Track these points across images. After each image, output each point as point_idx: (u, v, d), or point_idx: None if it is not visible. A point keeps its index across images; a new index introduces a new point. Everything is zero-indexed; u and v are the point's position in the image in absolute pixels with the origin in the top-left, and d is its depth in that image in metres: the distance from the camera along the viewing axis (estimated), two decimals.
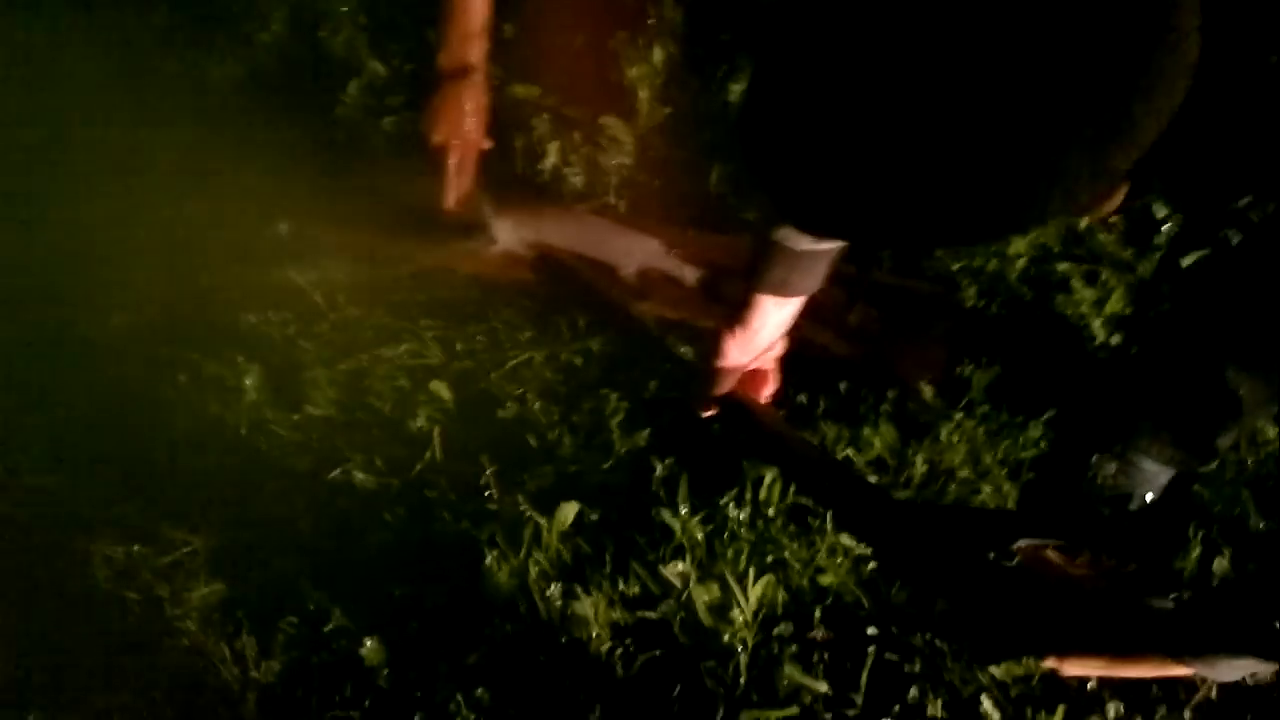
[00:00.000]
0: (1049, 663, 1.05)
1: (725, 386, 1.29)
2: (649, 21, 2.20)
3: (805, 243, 1.08)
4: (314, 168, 2.09)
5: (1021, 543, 1.08)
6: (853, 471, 1.45)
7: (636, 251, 1.88)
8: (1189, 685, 1.40)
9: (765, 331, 1.21)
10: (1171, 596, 1.04)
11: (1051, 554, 1.12)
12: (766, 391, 1.33)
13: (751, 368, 1.29)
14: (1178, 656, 1.01)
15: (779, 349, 1.29)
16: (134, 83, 2.21)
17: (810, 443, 1.47)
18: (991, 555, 1.01)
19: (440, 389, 1.72)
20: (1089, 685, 1.38)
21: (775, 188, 0.69)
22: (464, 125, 1.86)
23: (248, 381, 1.72)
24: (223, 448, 1.66)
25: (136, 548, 1.55)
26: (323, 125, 2.19)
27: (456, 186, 1.91)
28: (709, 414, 1.34)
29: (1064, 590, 1.07)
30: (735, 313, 1.21)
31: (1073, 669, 1.06)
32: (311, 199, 2.03)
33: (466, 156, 1.90)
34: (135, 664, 1.43)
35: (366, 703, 1.41)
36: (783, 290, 1.15)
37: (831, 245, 1.11)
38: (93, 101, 2.18)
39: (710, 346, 1.25)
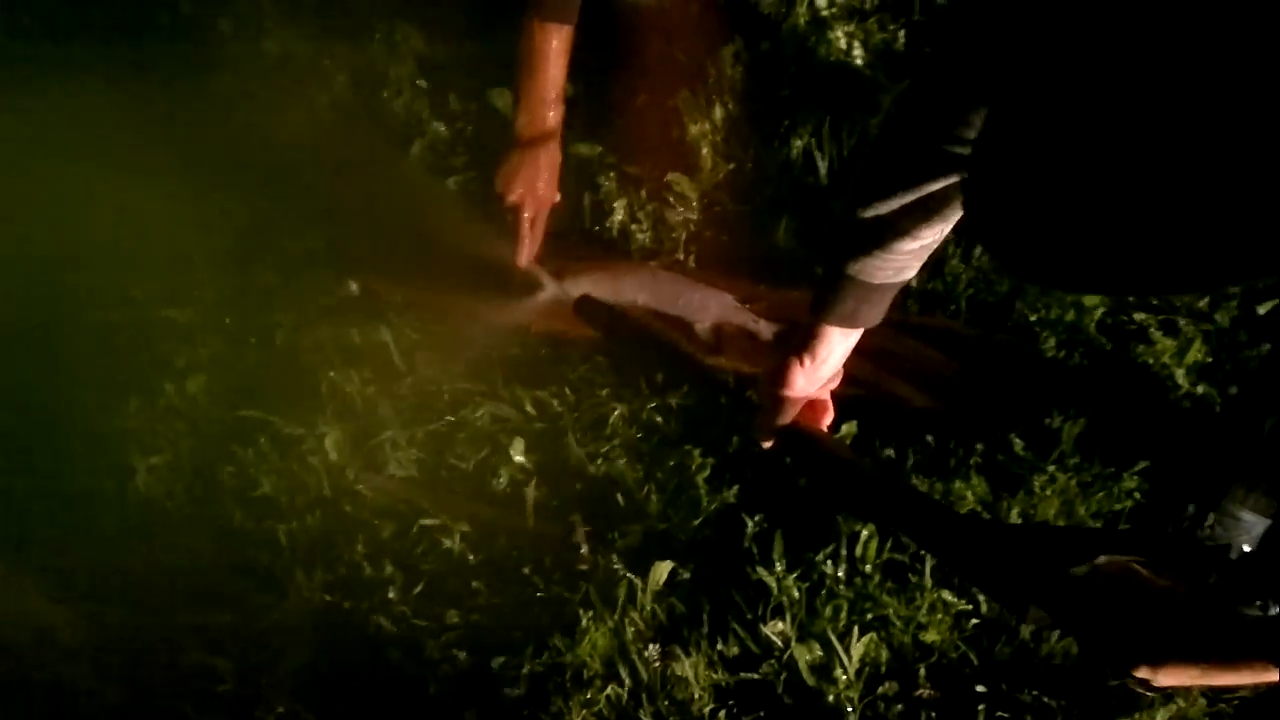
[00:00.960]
0: (1141, 673, 1.02)
1: (787, 417, 1.29)
2: (709, 79, 2.23)
3: (880, 276, 1.10)
4: (379, 228, 2.11)
5: (1103, 559, 1.05)
6: (924, 494, 1.43)
7: (711, 306, 1.88)
8: None
9: (830, 362, 1.23)
10: (1259, 604, 1.01)
11: (1136, 568, 1.10)
12: (825, 420, 1.32)
13: (812, 398, 1.30)
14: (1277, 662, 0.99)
15: (838, 380, 1.29)
16: (197, 148, 2.23)
17: (876, 467, 1.46)
18: (1077, 569, 0.99)
19: (520, 450, 1.71)
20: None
21: (1010, 242, 0.68)
22: (538, 184, 1.88)
23: (328, 443, 1.72)
24: (306, 510, 1.65)
25: (227, 616, 1.53)
26: (386, 186, 2.21)
27: (529, 244, 1.93)
28: (770, 445, 1.33)
29: (1154, 600, 1.05)
30: (800, 342, 1.22)
31: (1166, 679, 1.04)
32: (379, 259, 2.05)
33: (539, 214, 1.91)
34: None
35: None
36: (851, 321, 1.16)
37: (904, 279, 1.11)
38: (157, 167, 2.20)
39: (774, 377, 1.25)
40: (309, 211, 2.14)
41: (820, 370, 1.23)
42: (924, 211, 1.01)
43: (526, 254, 1.92)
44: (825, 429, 1.32)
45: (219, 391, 1.81)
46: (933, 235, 1.04)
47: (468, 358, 1.86)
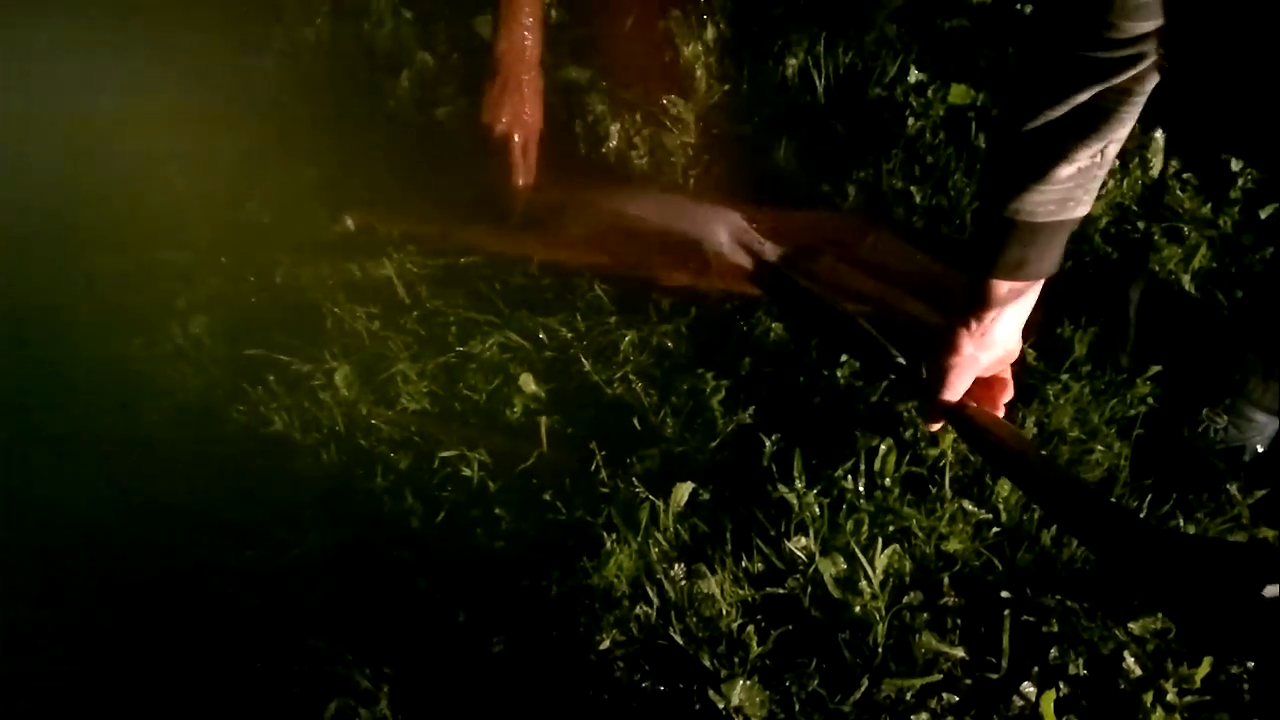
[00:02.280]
0: None
1: (957, 392, 1.15)
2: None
3: (1043, 213, 0.99)
4: (371, 161, 2.07)
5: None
6: (1102, 496, 1.33)
7: (715, 227, 1.87)
8: None
9: (1002, 326, 1.09)
10: None
11: None
12: (1002, 400, 1.20)
13: (987, 374, 1.17)
14: None
15: (1017, 351, 1.16)
16: (182, 86, 2.18)
17: (1056, 463, 1.40)
18: (1269, 590, 0.92)
19: (531, 379, 1.70)
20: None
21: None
22: (523, 111, 1.85)
23: (338, 378, 1.70)
24: (320, 446, 1.64)
25: (250, 552, 1.52)
26: (375, 118, 2.17)
27: (523, 171, 1.90)
28: (937, 427, 1.21)
29: None
30: (966, 305, 1.09)
31: None
32: (372, 192, 2.02)
33: (529, 141, 1.89)
34: (265, 669, 1.41)
35: (503, 695, 1.39)
36: (1018, 273, 1.04)
37: (1072, 216, 1.02)
38: (142, 108, 2.15)
39: (941, 346, 1.12)
40: (298, 148, 2.10)
41: (991, 336, 1.10)
42: (1076, 127, 0.94)
43: (520, 181, 1.89)
44: (1001, 411, 1.20)
45: (222, 331, 1.79)
46: (1088, 156, 0.96)
47: (472, 289, 1.85)
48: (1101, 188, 1.84)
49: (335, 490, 1.58)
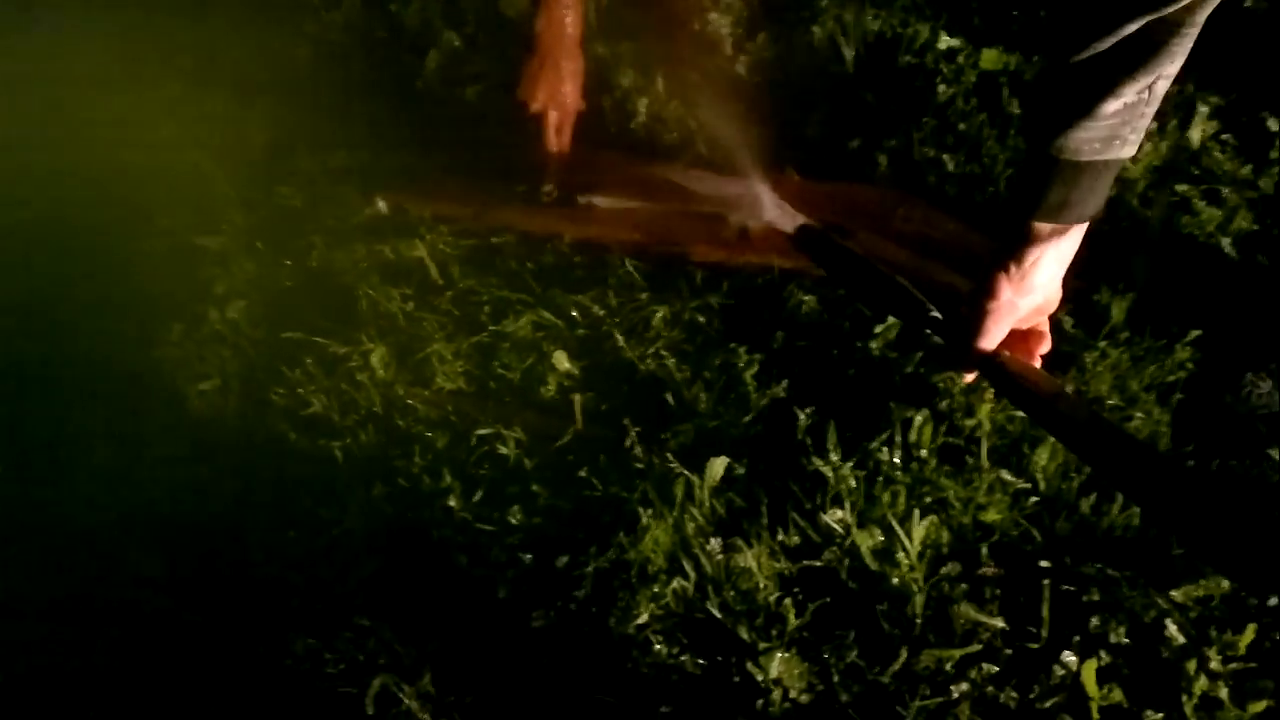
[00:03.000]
0: None
1: (994, 340, 1.10)
2: None
3: (1087, 150, 0.96)
4: (400, 142, 2.08)
5: None
6: (1147, 445, 1.23)
7: (745, 203, 1.86)
8: None
9: (1042, 271, 1.05)
10: None
11: None
12: (1040, 350, 1.15)
13: (1025, 326, 1.13)
14: None
15: (1056, 301, 1.12)
16: (210, 71, 2.20)
17: (1094, 409, 1.36)
18: None
19: (565, 357, 1.71)
20: (1269, 601, 1.38)
21: None
22: (562, 91, 1.85)
23: (374, 360, 1.71)
24: (359, 427, 1.66)
25: (292, 533, 1.55)
26: (403, 99, 2.18)
27: (556, 153, 1.90)
28: (972, 377, 1.17)
29: None
30: (1006, 248, 1.05)
31: None
32: (403, 174, 2.03)
33: (565, 122, 1.88)
34: (309, 647, 1.43)
35: (543, 669, 1.41)
36: (1060, 214, 1.00)
37: (1117, 156, 0.98)
38: (171, 92, 2.17)
39: (979, 291, 1.07)
40: (328, 130, 2.11)
41: (1030, 280, 1.06)
42: (1124, 60, 0.91)
43: (554, 163, 1.89)
44: (1039, 362, 1.15)
45: (260, 315, 1.81)
46: (1135, 91, 0.93)
47: (504, 268, 1.85)
48: (1139, 150, 1.83)
49: (374, 470, 1.60)
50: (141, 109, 2.12)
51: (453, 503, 1.55)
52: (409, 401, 1.67)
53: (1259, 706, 1.30)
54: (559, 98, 1.86)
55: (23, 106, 2.16)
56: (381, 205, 1.96)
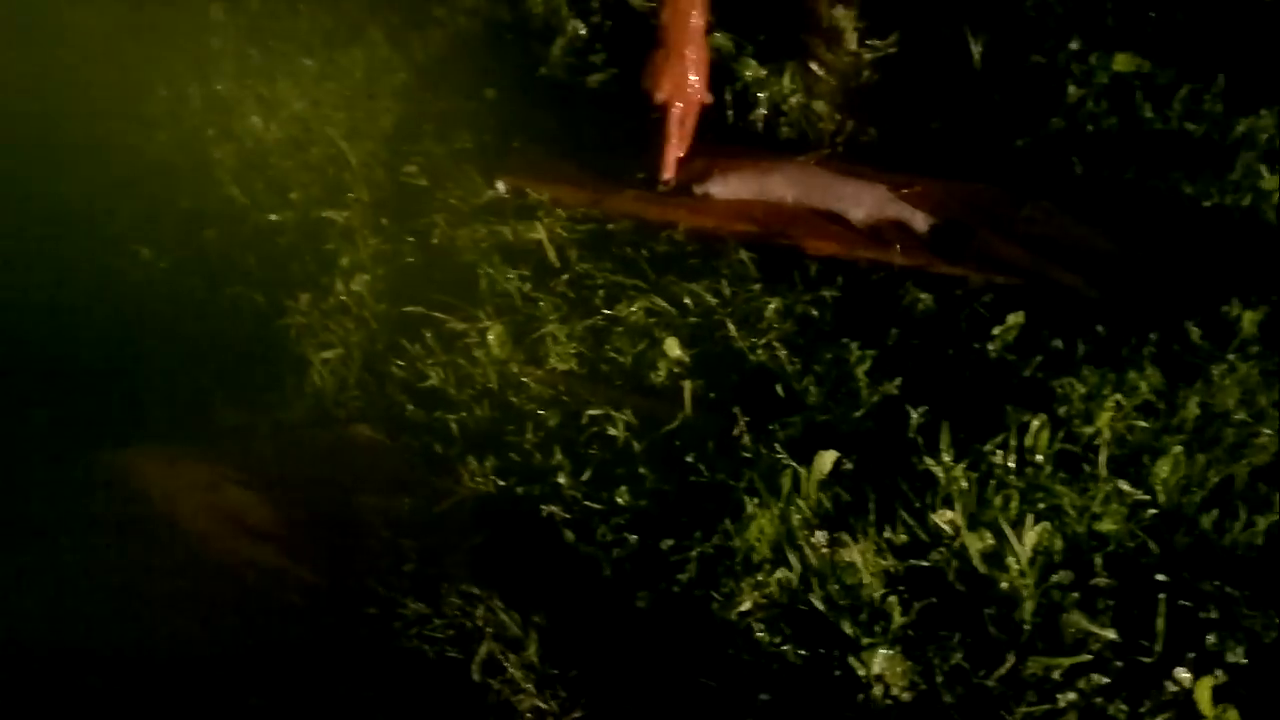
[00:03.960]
0: None
1: None
2: None
3: None
4: (523, 127, 2.12)
5: None
6: None
7: (864, 199, 1.85)
8: None
9: None
10: None
11: None
12: None
13: None
14: None
15: None
16: (340, 48, 2.27)
17: None
18: None
19: (676, 344, 1.72)
20: None
21: None
22: (687, 82, 1.86)
23: (490, 337, 1.76)
24: (474, 402, 1.70)
25: (405, 499, 1.60)
26: (528, 85, 2.21)
27: (678, 144, 1.91)
28: None
29: None
30: None
31: None
32: (524, 159, 2.07)
33: (689, 114, 1.89)
34: (419, 607, 1.48)
35: (645, 649, 1.43)
36: None
37: None
38: (302, 74, 2.25)
39: None
40: (453, 113, 2.16)
41: None
42: None
43: (675, 154, 1.91)
44: None
45: (382, 289, 1.87)
46: None
47: (619, 254, 1.88)
48: (1277, 160, 1.77)
49: (487, 444, 1.64)
50: (275, 87, 2.20)
51: (562, 480, 1.59)
52: (523, 379, 1.71)
53: None
54: (684, 89, 1.87)
55: (170, 75, 2.26)
56: (502, 188, 2.00)
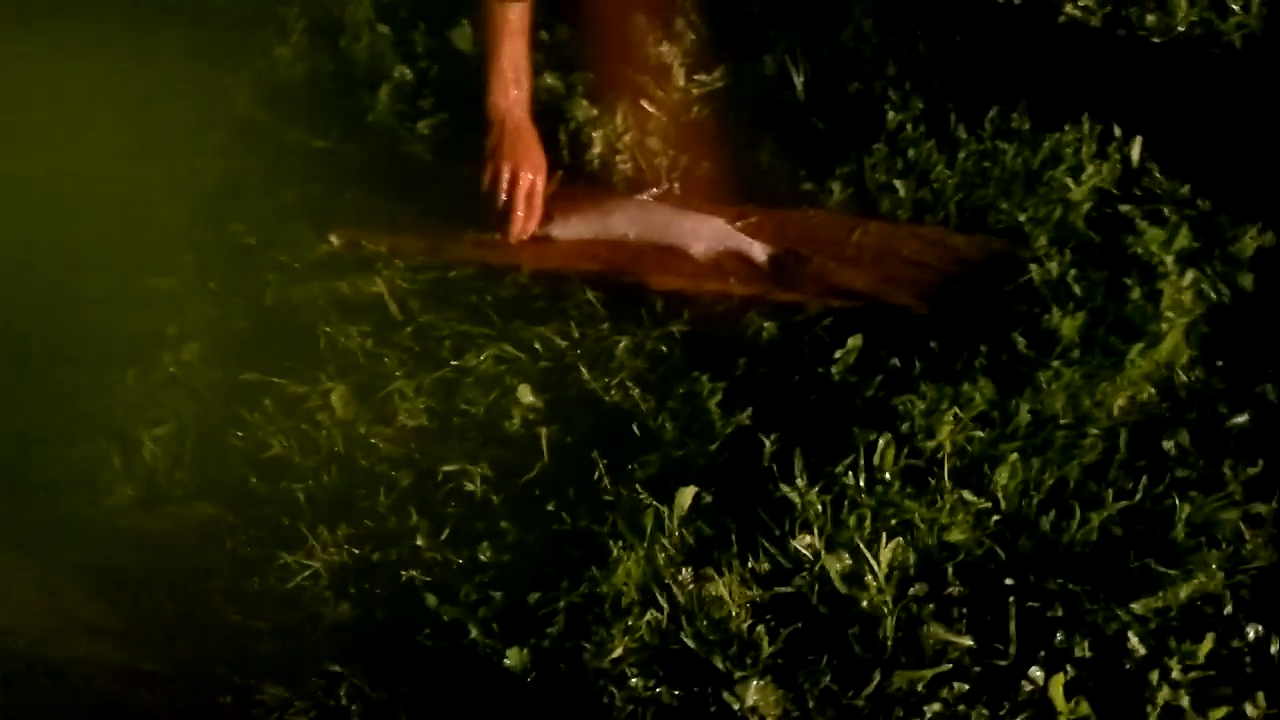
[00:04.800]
0: None
1: None
2: (675, 1, 2.20)
3: None
4: (353, 177, 2.07)
5: None
6: None
7: (703, 232, 1.88)
8: None
9: None
10: None
11: None
12: None
13: None
14: None
15: None
16: (156, 104, 2.17)
17: None
18: None
19: (529, 390, 1.71)
20: (1224, 610, 1.42)
21: None
22: (529, 160, 1.87)
23: (334, 399, 1.70)
24: (321, 468, 1.64)
25: (255, 579, 1.52)
26: (355, 134, 2.16)
27: (531, 219, 1.90)
28: None
29: None
30: None
31: None
32: (356, 210, 2.02)
33: (537, 184, 1.89)
34: (278, 692, 1.41)
35: (517, 708, 1.40)
36: None
37: None
38: (116, 128, 2.14)
39: None
40: (279, 166, 2.09)
41: None
42: None
43: (526, 224, 1.89)
44: None
45: (215, 356, 1.78)
46: None
47: (464, 302, 1.85)
48: (1082, 173, 1.88)
49: (339, 511, 1.59)
50: (86, 148, 2.08)
51: (420, 541, 1.55)
52: (371, 440, 1.66)
53: (1219, 713, 1.33)
54: (531, 162, 1.87)
55: None
56: (336, 241, 1.95)
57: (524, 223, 1.87)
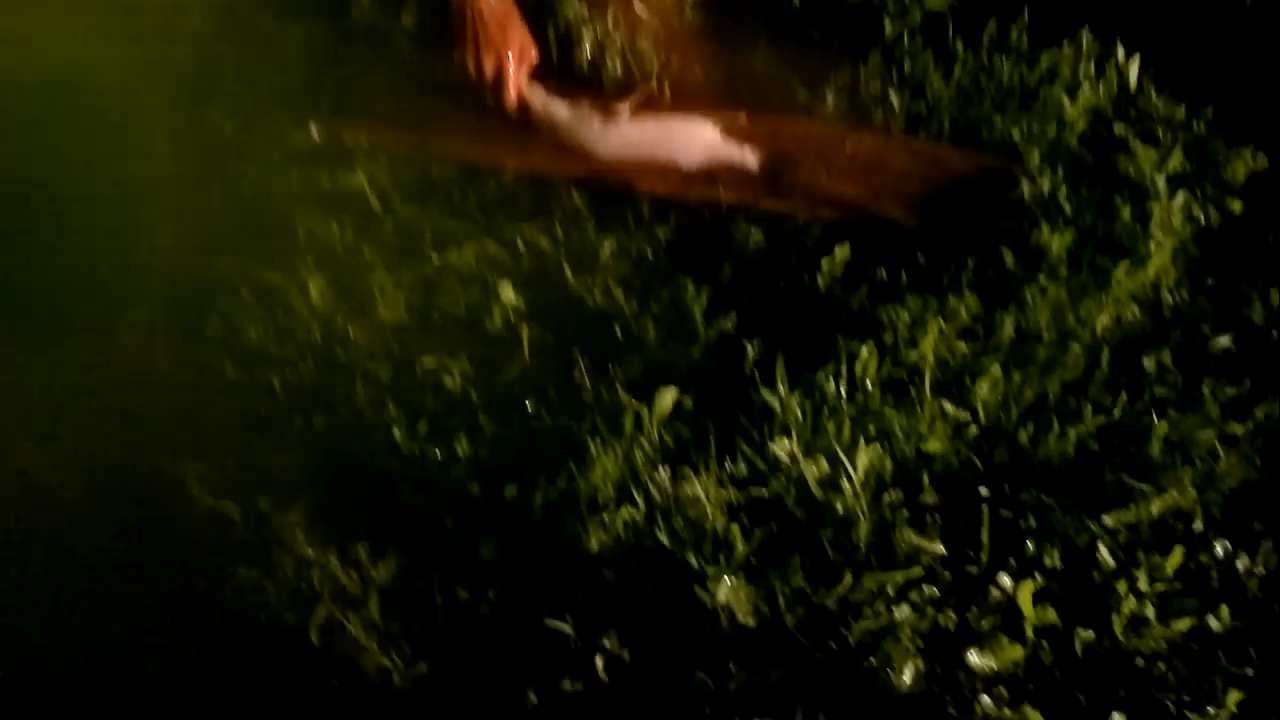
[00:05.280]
0: None
1: None
2: None
3: None
4: (334, 69, 2.02)
5: None
6: None
7: (693, 143, 1.84)
8: None
9: None
10: None
11: None
12: None
13: None
14: None
15: None
16: None
17: None
18: None
19: (510, 288, 1.68)
20: (1194, 526, 1.43)
21: None
22: (509, 43, 1.80)
23: (312, 291, 1.67)
24: (298, 358, 1.62)
25: (230, 465, 1.51)
26: (337, 24, 2.10)
27: (515, 96, 1.84)
28: None
29: None
30: None
31: None
32: (337, 102, 1.97)
33: (520, 73, 1.83)
34: (250, 575, 1.41)
35: (491, 595, 1.41)
36: None
37: None
38: (89, 8, 2.07)
39: None
40: (258, 55, 2.03)
41: None
42: None
43: (513, 95, 1.84)
44: None
45: (191, 245, 1.75)
46: None
47: (446, 198, 1.81)
48: (1078, 91, 1.86)
49: (315, 402, 1.57)
50: (59, 33, 2.02)
51: (397, 435, 1.53)
52: (350, 333, 1.64)
53: (1183, 624, 1.35)
54: (507, 52, 1.80)
55: None
56: (315, 133, 1.90)
57: (510, 103, 1.82)
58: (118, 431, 1.55)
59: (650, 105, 1.92)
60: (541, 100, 1.84)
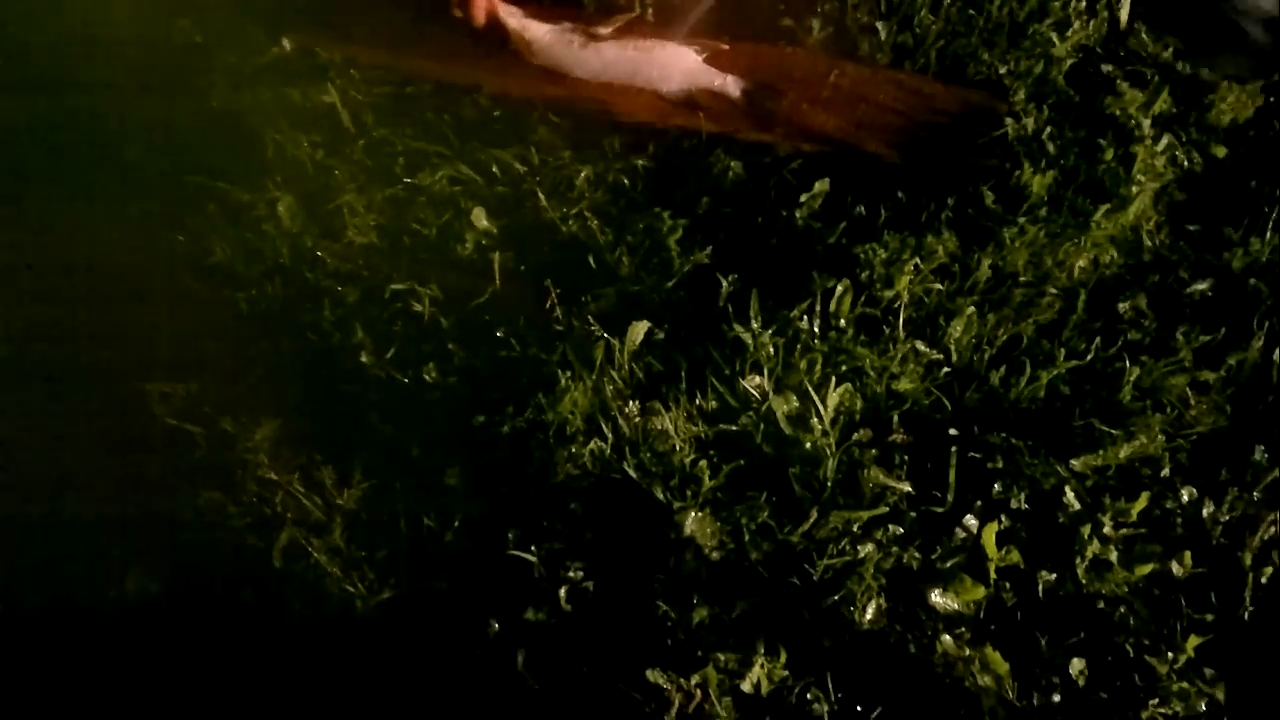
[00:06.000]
0: None
1: None
2: None
3: None
4: None
5: None
6: None
7: (674, 71, 1.80)
8: None
9: None
10: None
11: None
12: None
13: None
14: None
15: None
16: None
17: None
18: None
19: (483, 214, 1.65)
20: (1162, 472, 1.43)
21: None
22: None
23: (281, 209, 1.64)
24: (265, 278, 1.59)
25: (193, 384, 1.49)
26: None
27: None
28: None
29: None
30: None
31: None
32: (311, 15, 1.90)
33: None
34: (213, 497, 1.39)
35: (456, 523, 1.40)
36: None
37: None
38: None
39: None
40: None
41: None
42: None
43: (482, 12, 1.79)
44: None
45: (158, 157, 1.70)
46: None
47: (420, 119, 1.77)
48: (1068, 28, 1.82)
49: (281, 323, 1.54)
50: None
51: (364, 358, 1.51)
52: (318, 254, 1.61)
53: (1145, 569, 1.36)
54: None
55: None
56: (288, 46, 1.84)
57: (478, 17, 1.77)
58: (79, 349, 1.51)
59: (632, 29, 1.87)
60: (519, 20, 1.79)
